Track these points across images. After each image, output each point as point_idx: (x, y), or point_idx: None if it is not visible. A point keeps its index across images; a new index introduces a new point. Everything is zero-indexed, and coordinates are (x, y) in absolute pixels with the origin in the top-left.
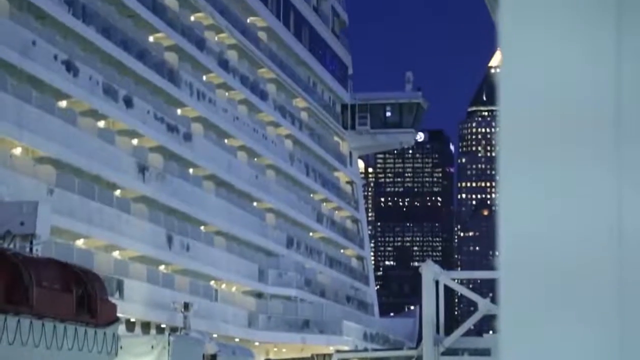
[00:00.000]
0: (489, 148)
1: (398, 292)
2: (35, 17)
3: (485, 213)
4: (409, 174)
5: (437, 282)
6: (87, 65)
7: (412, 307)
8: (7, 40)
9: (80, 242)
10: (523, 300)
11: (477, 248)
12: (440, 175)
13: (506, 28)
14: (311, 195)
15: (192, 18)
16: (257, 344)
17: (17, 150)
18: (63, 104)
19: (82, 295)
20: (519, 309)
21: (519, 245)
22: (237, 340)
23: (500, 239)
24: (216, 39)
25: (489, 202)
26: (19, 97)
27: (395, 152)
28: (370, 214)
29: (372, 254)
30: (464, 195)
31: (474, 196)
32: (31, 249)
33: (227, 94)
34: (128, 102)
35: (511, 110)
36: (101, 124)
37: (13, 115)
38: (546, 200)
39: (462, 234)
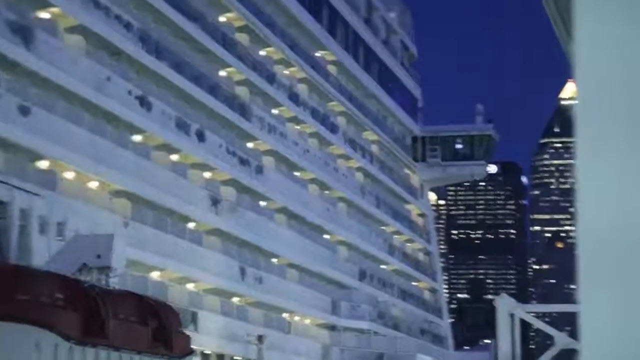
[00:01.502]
0: (562, 180)
1: (472, 325)
2: (110, 54)
3: (560, 245)
4: (481, 207)
5: (512, 316)
6: (160, 100)
7: (487, 341)
8: (83, 77)
9: (155, 275)
10: (602, 294)
11: (552, 281)
12: (513, 207)
13: (582, 60)
14: (383, 227)
15: (263, 52)
16: None
17: (93, 184)
18: (137, 138)
19: (158, 327)
20: (598, 304)
21: (596, 238)
22: None
23: (578, 232)
24: (286, 72)
25: (562, 234)
26: (94, 132)
27: (467, 184)
28: (442, 247)
29: (445, 286)
30: (537, 228)
31: (547, 228)
32: (107, 282)
33: (297, 127)
34: (200, 136)
35: (588, 100)
36: (174, 157)
37: (89, 149)
38: (622, 194)
39: (536, 267)
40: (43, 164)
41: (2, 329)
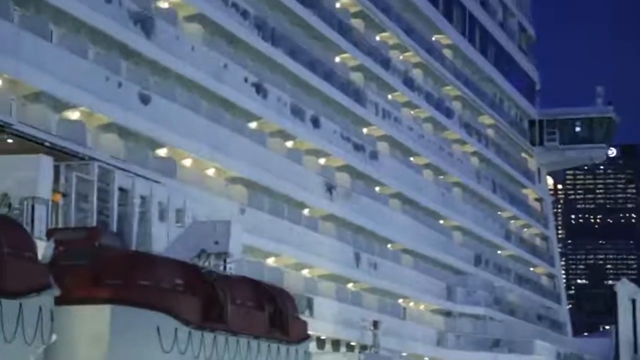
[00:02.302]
0: None
1: (591, 311)
2: (227, 42)
3: None
4: (601, 191)
5: (633, 301)
6: (276, 86)
7: (607, 327)
8: (201, 65)
9: (270, 261)
10: None
11: None
12: (634, 191)
13: None
14: (499, 212)
15: (378, 38)
16: None
17: (211, 171)
18: (253, 125)
19: (274, 313)
20: None
21: None
22: (426, 359)
23: None
24: (401, 57)
25: None
26: (212, 120)
27: (586, 168)
28: (560, 232)
29: (563, 272)
30: None
31: None
32: (225, 267)
33: (412, 112)
34: (315, 122)
35: None
36: (289, 144)
37: (207, 137)
38: None
39: None
40: (162, 152)
41: (124, 314)
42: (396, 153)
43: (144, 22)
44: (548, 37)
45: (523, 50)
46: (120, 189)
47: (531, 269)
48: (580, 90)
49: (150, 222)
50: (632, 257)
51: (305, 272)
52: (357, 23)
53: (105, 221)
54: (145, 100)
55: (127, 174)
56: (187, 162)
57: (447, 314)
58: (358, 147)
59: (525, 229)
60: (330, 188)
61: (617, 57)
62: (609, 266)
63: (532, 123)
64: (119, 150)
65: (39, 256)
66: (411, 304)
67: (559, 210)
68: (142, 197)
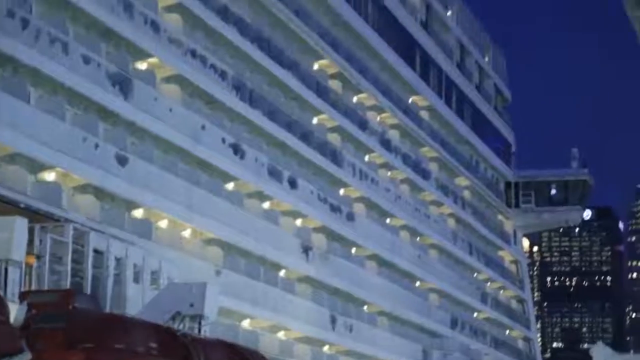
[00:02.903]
0: None
1: None
2: (205, 103)
3: None
4: (576, 253)
5: None
6: (253, 147)
7: None
8: (179, 126)
9: (246, 323)
10: None
11: None
12: (609, 254)
13: None
14: (475, 274)
15: (355, 99)
16: None
17: (187, 232)
18: (230, 186)
19: None
20: None
21: None
22: None
23: None
24: (378, 119)
25: None
26: (189, 180)
27: (561, 230)
28: (536, 294)
29: (539, 335)
30: (634, 275)
31: None
32: (200, 330)
33: (389, 173)
34: (292, 183)
35: None
36: (266, 205)
37: (184, 198)
38: None
39: (633, 315)
40: (139, 213)
41: None
42: (373, 214)
43: (122, 83)
44: (524, 99)
45: (499, 112)
46: (95, 251)
47: (507, 332)
48: (556, 152)
49: (125, 284)
50: (607, 320)
51: (281, 334)
52: (334, 84)
53: (79, 283)
54: (122, 161)
55: (102, 235)
56: (164, 223)
57: None
58: (335, 209)
59: (502, 292)
60: (306, 249)
61: (592, 120)
62: (584, 329)
63: (508, 185)
64: (95, 211)
65: (12, 319)
66: None
67: (535, 273)
68: (117, 259)
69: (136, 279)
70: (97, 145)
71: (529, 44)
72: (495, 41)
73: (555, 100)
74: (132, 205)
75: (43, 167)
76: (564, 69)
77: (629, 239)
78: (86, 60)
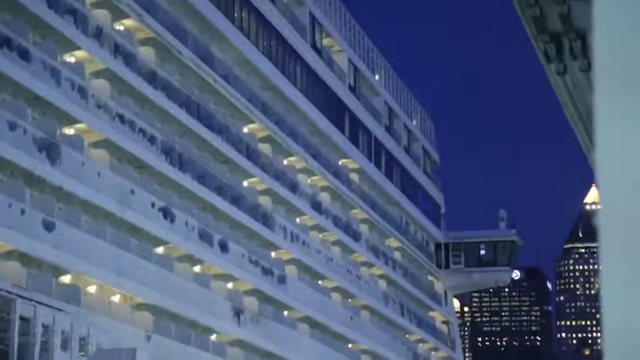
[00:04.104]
0: (587, 286)
1: None
2: (135, 167)
3: (587, 352)
4: (506, 313)
5: None
6: (184, 211)
7: None
8: (107, 190)
9: None
10: (623, 249)
11: None
12: (538, 313)
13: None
14: (407, 335)
15: (285, 162)
16: None
17: (116, 298)
18: (160, 250)
19: None
20: (619, 259)
21: (617, 192)
22: None
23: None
24: (309, 181)
25: (590, 341)
26: (118, 245)
27: (491, 290)
28: (467, 354)
29: None
30: (563, 334)
31: (574, 335)
32: None
33: (320, 235)
34: (223, 247)
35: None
36: (197, 268)
37: (112, 263)
38: None
39: None
40: (66, 279)
41: None
42: (305, 277)
43: (50, 148)
44: (452, 161)
45: (428, 174)
46: (22, 318)
47: None
48: (484, 213)
49: (53, 352)
50: None
51: None
52: (265, 147)
53: (5, 352)
54: (49, 226)
55: (29, 302)
56: (92, 288)
57: None
58: (266, 271)
59: (433, 352)
60: (238, 313)
61: (520, 181)
62: None
63: (438, 246)
64: (21, 278)
65: None
66: None
67: (466, 333)
68: (45, 326)
69: (64, 346)
70: (23, 211)
71: (455, 109)
72: (423, 105)
73: (482, 161)
74: (59, 271)
75: None
76: (490, 130)
77: (557, 299)
78: (12, 126)
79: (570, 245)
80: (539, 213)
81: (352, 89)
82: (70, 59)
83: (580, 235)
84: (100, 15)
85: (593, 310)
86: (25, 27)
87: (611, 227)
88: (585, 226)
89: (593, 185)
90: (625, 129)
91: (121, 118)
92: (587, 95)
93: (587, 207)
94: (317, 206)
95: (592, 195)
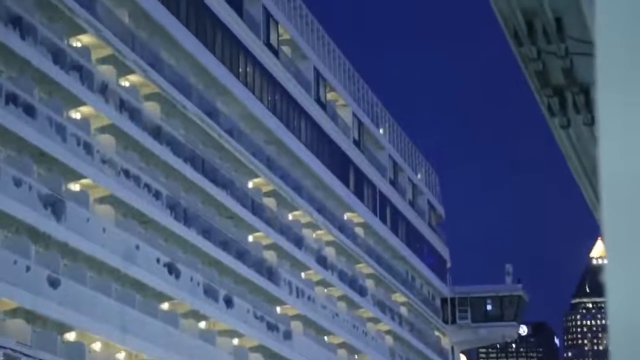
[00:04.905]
0: (595, 341)
1: None
2: (140, 223)
3: None
4: None
5: None
6: (189, 266)
7: None
8: (112, 246)
9: None
10: (626, 237)
11: None
12: None
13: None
14: None
15: (290, 216)
16: None
17: (121, 355)
18: (165, 306)
19: None
20: (621, 248)
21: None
22: None
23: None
24: (314, 236)
25: None
26: (122, 302)
27: (499, 346)
28: None
29: None
30: None
31: None
32: None
33: (325, 290)
34: (228, 302)
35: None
36: (202, 324)
37: (117, 319)
38: None
39: None
40: (71, 336)
41: None
42: (310, 332)
43: (55, 204)
44: (457, 215)
45: (433, 228)
46: None
47: None
48: (490, 267)
49: None
50: None
51: None
52: (269, 202)
53: None
54: (54, 283)
55: None
56: (97, 346)
57: None
58: (272, 327)
59: None
60: None
61: (525, 235)
62: None
63: (444, 301)
64: (26, 335)
65: None
66: None
67: None
68: None
69: None
70: (28, 268)
71: (463, 161)
72: (427, 157)
73: (488, 215)
74: (64, 328)
75: None
76: (495, 182)
77: (565, 355)
78: (17, 182)
79: (577, 300)
80: (545, 267)
81: (357, 143)
82: (75, 114)
83: (587, 291)
84: (105, 71)
85: None
86: (31, 83)
87: (614, 224)
88: (592, 281)
89: (599, 238)
90: (626, 124)
91: (126, 173)
92: (591, 149)
93: (594, 261)
94: (322, 261)
95: (598, 250)
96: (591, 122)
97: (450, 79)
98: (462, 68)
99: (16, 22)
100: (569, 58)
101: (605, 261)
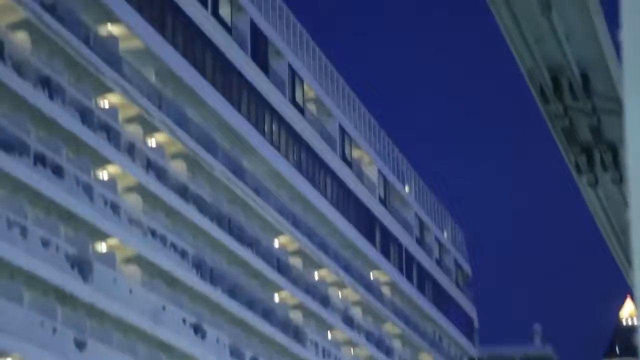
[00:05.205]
0: None
1: None
2: (166, 283)
3: None
4: None
5: None
6: (214, 327)
7: None
8: (139, 307)
9: None
10: None
11: None
12: None
13: None
14: None
15: (316, 275)
16: None
17: None
18: None
19: None
20: None
21: None
22: None
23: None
24: (340, 295)
25: None
26: None
27: None
28: None
29: None
30: None
31: None
32: None
33: (352, 350)
34: None
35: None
36: None
37: None
38: None
39: None
40: None
41: None
42: None
43: (82, 265)
44: (484, 274)
45: (460, 287)
46: None
47: None
48: (518, 326)
49: None
50: None
51: None
52: (295, 261)
53: None
54: (80, 345)
55: None
56: None
57: None
58: None
59: None
60: None
61: (553, 294)
62: None
63: None
64: None
65: None
66: None
67: None
68: None
69: None
70: (55, 330)
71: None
72: (454, 215)
73: (515, 273)
74: None
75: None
76: (522, 241)
77: None
78: (45, 243)
79: None
80: (574, 327)
81: (383, 201)
82: (103, 174)
83: (617, 352)
84: (132, 130)
85: None
86: (59, 143)
87: None
88: (622, 342)
89: (628, 297)
90: None
91: (153, 233)
92: (620, 208)
93: (623, 321)
94: (348, 320)
95: (628, 310)
96: (620, 181)
97: (477, 135)
98: (487, 124)
99: (45, 83)
100: (596, 116)
101: (637, 322)
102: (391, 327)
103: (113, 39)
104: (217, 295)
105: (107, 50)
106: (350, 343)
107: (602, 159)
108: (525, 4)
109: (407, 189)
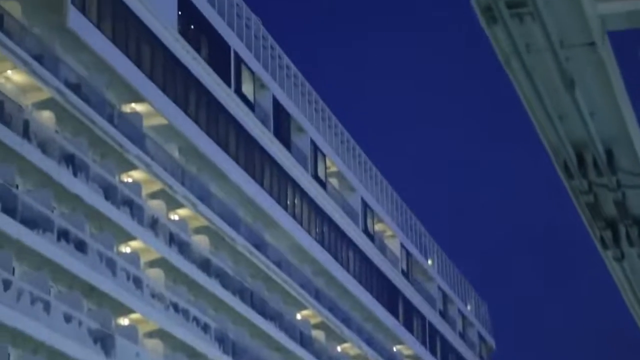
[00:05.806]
0: None
1: None
2: (188, 356)
3: None
4: None
5: None
6: None
7: None
8: None
9: None
10: None
11: None
12: None
13: None
14: None
15: (339, 349)
16: None
17: None
18: None
19: None
20: None
21: None
22: None
23: None
24: None
25: None
26: None
27: None
28: None
29: None
30: None
31: None
32: None
33: None
34: None
35: None
36: None
37: None
38: None
39: None
40: None
41: None
42: None
43: (104, 339)
44: (508, 347)
45: None
46: None
47: None
48: None
49: None
50: None
51: None
52: (318, 334)
53: None
54: None
55: None
56: None
57: None
58: None
59: None
60: None
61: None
62: None
63: None
64: None
65: None
66: None
67: None
68: None
69: None
70: None
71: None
72: (477, 288)
73: (538, 345)
74: None
75: None
76: (546, 311)
77: None
78: (67, 318)
79: None
80: None
81: (405, 274)
82: (126, 249)
83: None
84: (156, 206)
85: None
86: (82, 219)
87: None
88: None
89: None
90: None
91: (175, 307)
92: None
93: None
94: None
95: None
96: None
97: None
98: (505, 184)
99: (69, 160)
100: (621, 191)
101: None
102: None
103: (137, 116)
104: None
105: (131, 127)
106: None
107: (627, 234)
108: (549, 81)
109: (429, 262)
